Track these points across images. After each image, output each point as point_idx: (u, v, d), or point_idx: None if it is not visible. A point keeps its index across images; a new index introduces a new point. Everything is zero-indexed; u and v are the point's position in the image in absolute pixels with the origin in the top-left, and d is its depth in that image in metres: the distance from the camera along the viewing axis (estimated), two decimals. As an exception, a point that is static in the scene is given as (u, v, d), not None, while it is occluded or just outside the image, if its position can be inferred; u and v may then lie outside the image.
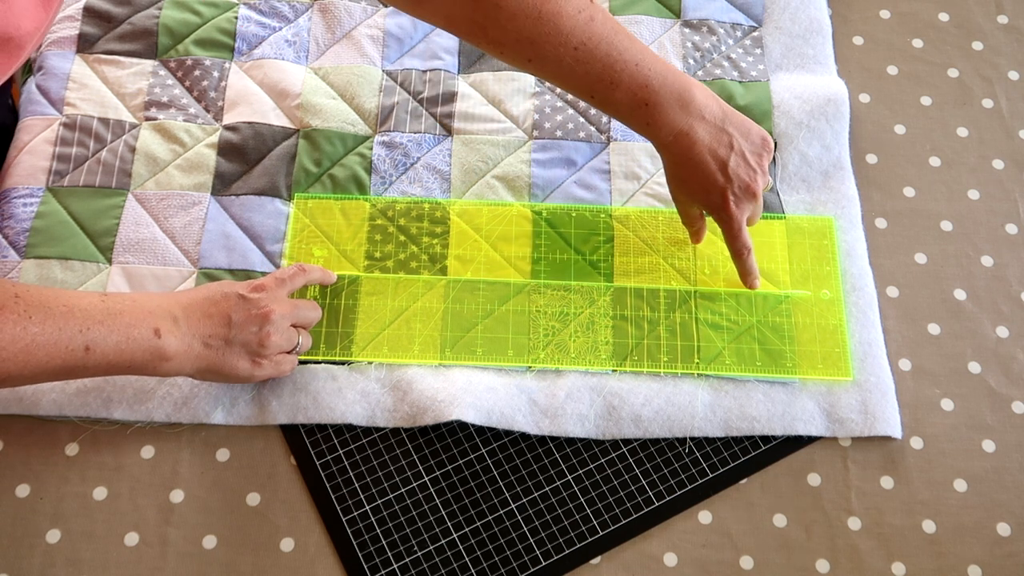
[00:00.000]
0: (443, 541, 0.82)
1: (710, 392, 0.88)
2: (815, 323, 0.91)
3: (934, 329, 0.92)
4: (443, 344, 0.89)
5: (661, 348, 0.90)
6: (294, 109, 1.00)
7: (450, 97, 1.02)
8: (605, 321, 0.91)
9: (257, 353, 0.82)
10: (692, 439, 0.87)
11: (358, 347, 0.89)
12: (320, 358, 0.89)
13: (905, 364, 0.91)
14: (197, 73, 1.02)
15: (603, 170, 0.99)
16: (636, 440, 0.87)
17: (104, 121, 0.99)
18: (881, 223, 0.97)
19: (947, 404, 0.89)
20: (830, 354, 0.89)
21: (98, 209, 0.95)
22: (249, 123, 0.99)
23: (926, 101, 1.04)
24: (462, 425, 0.86)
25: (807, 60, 1.05)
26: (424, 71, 1.04)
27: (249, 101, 1.01)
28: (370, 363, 0.89)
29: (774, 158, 0.99)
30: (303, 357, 0.88)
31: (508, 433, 0.87)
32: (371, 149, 0.99)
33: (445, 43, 1.06)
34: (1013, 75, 1.06)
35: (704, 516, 0.84)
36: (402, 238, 0.95)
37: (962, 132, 1.03)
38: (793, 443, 0.87)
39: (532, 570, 0.81)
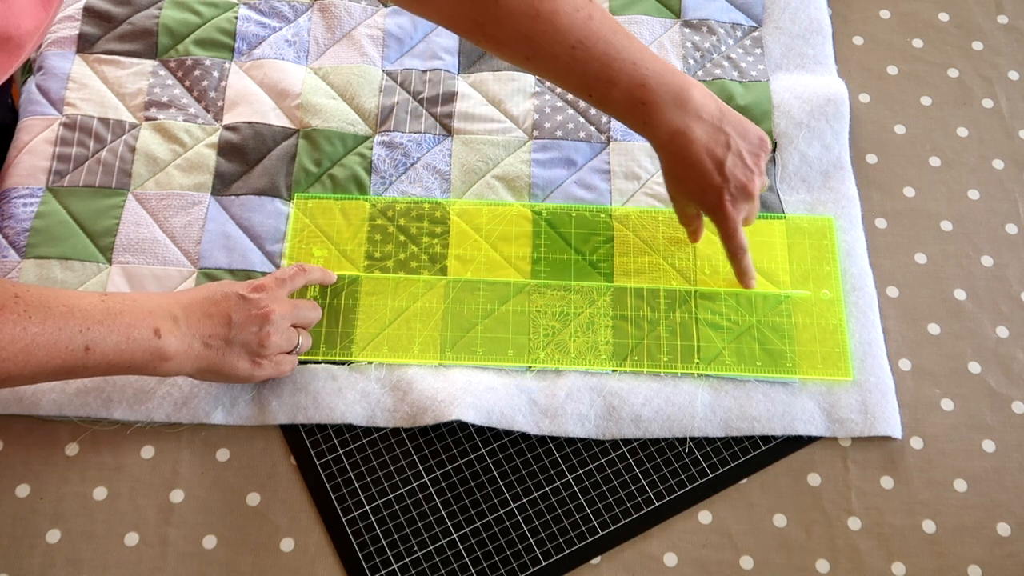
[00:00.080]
0: (443, 541, 0.82)
1: (710, 392, 0.88)
2: (815, 323, 0.91)
3: (934, 329, 0.92)
4: (443, 344, 0.89)
5: (661, 348, 0.90)
6: (294, 109, 1.00)
7: (450, 97, 1.02)
8: (605, 321, 0.91)
9: (257, 353, 0.82)
10: (692, 439, 0.87)
11: (358, 347, 0.89)
12: (320, 358, 0.89)
13: (905, 364, 0.91)
14: (197, 73, 1.02)
15: (603, 170, 0.99)
16: (636, 440, 0.87)
17: (104, 121, 0.99)
18: (881, 223, 0.97)
19: (947, 404, 0.89)
20: (830, 354, 0.89)
21: (98, 209, 0.95)
22: (249, 123, 0.99)
23: (926, 101, 1.04)
24: (462, 425, 0.86)
25: (807, 60, 1.05)
26: (424, 71, 1.04)
27: (249, 101, 1.01)
28: (370, 363, 0.89)
29: (773, 158, 0.99)
30: (303, 357, 0.88)
31: (508, 433, 0.87)
32: (371, 149, 0.99)
33: (445, 43, 1.06)
34: (1013, 75, 1.06)
35: (704, 516, 0.84)
36: (402, 238, 0.95)
37: (962, 132, 1.03)
38: (793, 443, 0.87)
39: (532, 570, 0.81)
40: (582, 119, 1.01)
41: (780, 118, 1.00)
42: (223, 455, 0.86)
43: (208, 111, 1.01)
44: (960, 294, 0.94)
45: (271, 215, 0.95)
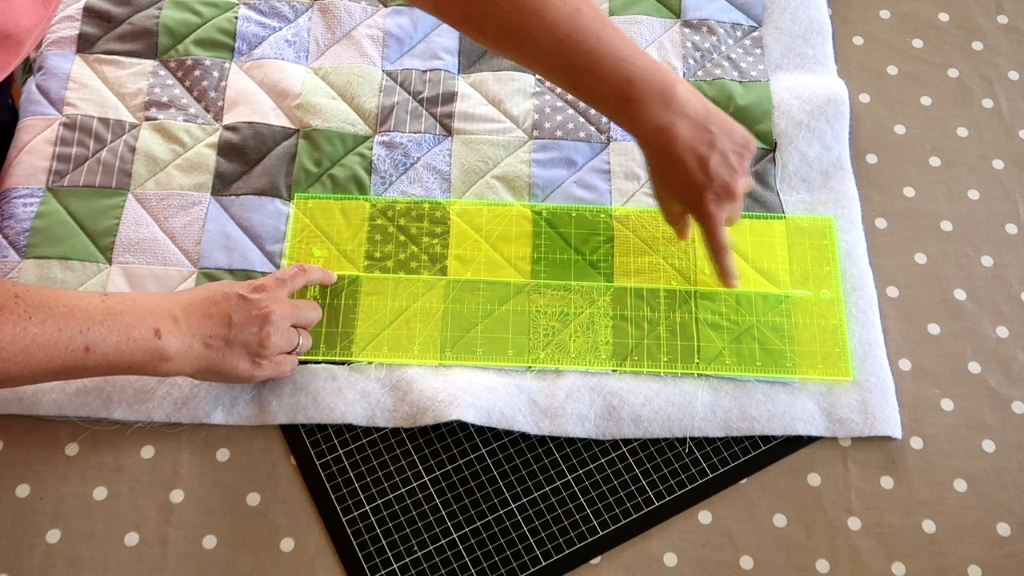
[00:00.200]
0: (443, 541, 0.82)
1: (710, 392, 0.88)
2: (815, 323, 0.91)
3: (934, 329, 0.92)
4: (443, 344, 0.89)
5: (661, 348, 0.90)
6: (294, 109, 1.00)
7: (450, 97, 1.02)
8: (605, 321, 0.91)
9: (257, 354, 0.82)
10: (692, 439, 0.87)
11: (358, 347, 0.89)
12: (320, 358, 0.89)
13: (905, 364, 0.91)
14: (197, 73, 1.02)
15: (603, 170, 0.99)
16: (636, 440, 0.87)
17: (104, 121, 0.99)
18: (881, 223, 0.97)
19: (947, 404, 0.89)
20: (830, 354, 0.89)
21: (98, 209, 0.95)
22: (249, 123, 0.99)
23: (926, 101, 1.04)
24: (462, 425, 0.86)
25: (807, 60, 1.05)
26: (424, 71, 1.04)
27: (249, 101, 1.01)
28: (370, 363, 0.89)
29: (773, 158, 0.99)
30: (303, 357, 0.88)
31: (508, 433, 0.87)
32: (371, 149, 0.99)
33: (445, 43, 1.06)
34: (1013, 75, 1.06)
35: (704, 516, 0.84)
36: (402, 238, 0.95)
37: (962, 132, 1.03)
38: (793, 443, 0.87)
39: (532, 570, 0.81)
40: (582, 119, 1.01)
41: (780, 118, 1.00)
42: (223, 455, 0.86)
43: (208, 111, 1.01)
44: (960, 294, 0.94)
45: (271, 215, 0.95)
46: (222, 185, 0.97)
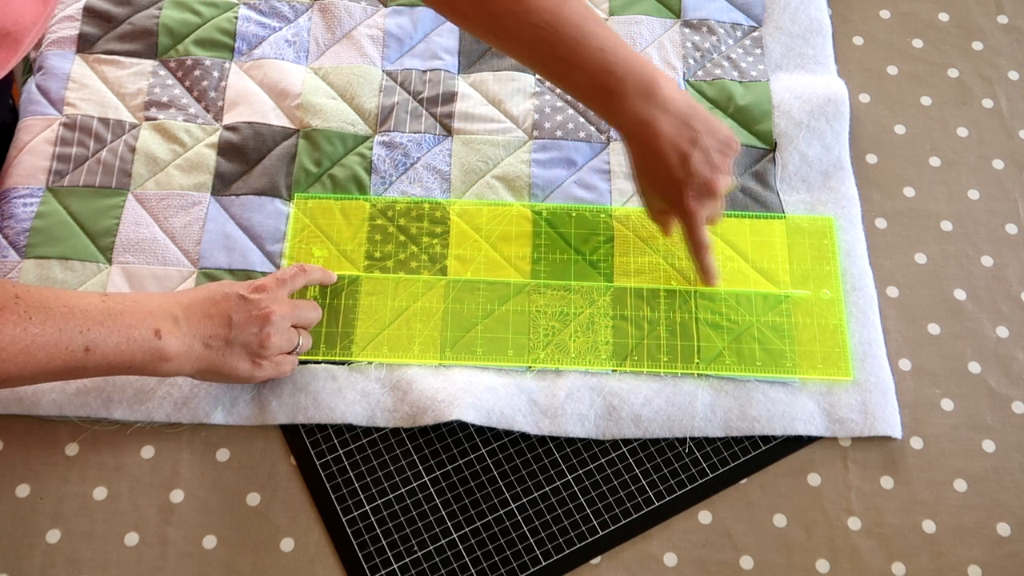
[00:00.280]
0: (443, 541, 0.82)
1: (710, 392, 0.88)
2: (815, 323, 0.91)
3: (934, 329, 0.92)
4: (443, 344, 0.89)
5: (661, 348, 0.90)
6: (294, 109, 1.00)
7: (450, 97, 1.02)
8: (605, 321, 0.91)
9: (257, 354, 0.82)
10: (692, 439, 0.87)
11: (358, 347, 0.89)
12: (320, 358, 0.89)
13: (905, 364, 0.91)
14: (197, 73, 1.02)
15: (603, 170, 0.99)
16: (636, 440, 0.87)
17: (104, 121, 0.99)
18: (881, 223, 0.97)
19: (947, 404, 0.89)
20: (830, 354, 0.89)
21: (98, 209, 0.95)
22: (249, 123, 0.99)
23: (926, 101, 1.04)
24: (462, 425, 0.86)
25: (807, 60, 1.05)
26: (424, 71, 1.04)
27: (249, 101, 1.01)
28: (370, 363, 0.89)
29: (773, 158, 0.99)
30: (303, 357, 0.88)
31: (508, 433, 0.87)
32: (371, 149, 0.99)
33: (445, 43, 1.06)
34: (1013, 75, 1.06)
35: (704, 516, 0.84)
36: (402, 238, 0.95)
37: (962, 132, 1.03)
38: (793, 443, 0.87)
39: (532, 570, 0.81)
40: (582, 119, 1.01)
41: (780, 118, 1.00)
42: (223, 455, 0.86)
43: (208, 111, 1.01)
44: (960, 294, 0.94)
45: (271, 215, 0.95)
46: (222, 185, 0.97)
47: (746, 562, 0.82)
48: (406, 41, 1.06)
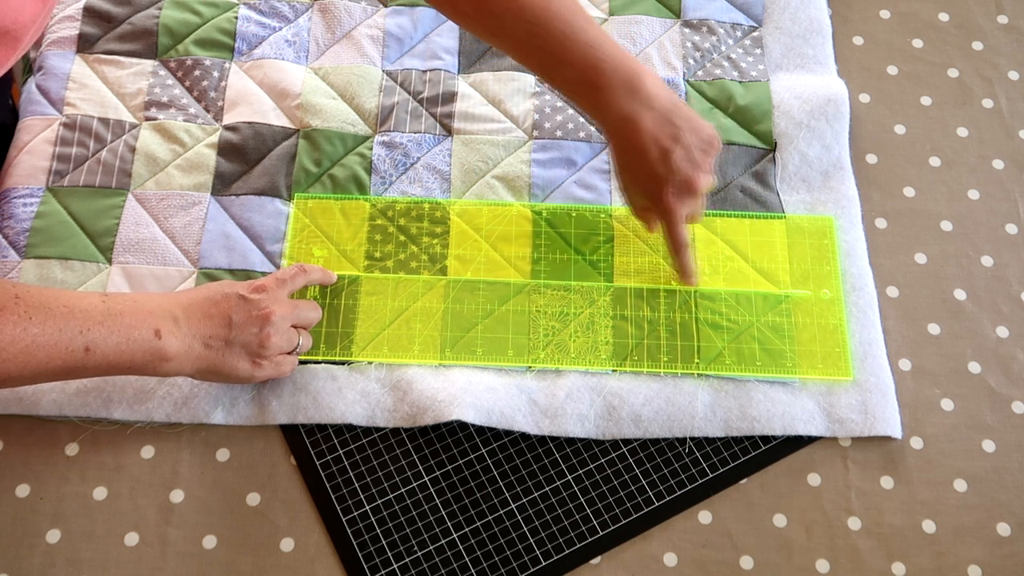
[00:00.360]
0: (443, 541, 0.82)
1: (710, 392, 0.88)
2: (815, 323, 0.91)
3: (934, 329, 0.92)
4: (443, 344, 0.89)
5: (661, 348, 0.90)
6: (294, 109, 1.00)
7: (450, 97, 1.02)
8: (605, 321, 0.91)
9: (257, 354, 0.82)
10: (692, 439, 0.87)
11: (358, 347, 0.89)
12: (320, 358, 0.89)
13: (905, 364, 0.91)
14: (197, 73, 1.02)
15: (603, 170, 0.99)
16: (636, 440, 0.87)
17: (104, 121, 0.99)
18: (881, 223, 0.97)
19: (947, 404, 0.89)
20: (830, 354, 0.89)
21: (98, 209, 0.95)
22: (249, 123, 0.99)
23: (926, 101, 1.04)
24: (462, 425, 0.86)
25: (807, 60, 1.05)
26: (424, 71, 1.04)
27: (249, 101, 1.01)
28: (370, 363, 0.89)
29: (773, 158, 0.99)
30: (303, 357, 0.88)
31: (508, 433, 0.87)
32: (371, 149, 0.99)
33: (445, 43, 1.06)
34: (1013, 75, 1.06)
35: (704, 516, 0.84)
36: (402, 238, 0.95)
37: (962, 132, 1.03)
38: (793, 443, 0.87)
39: (532, 570, 0.81)
40: (582, 119, 1.01)
41: (780, 118, 1.00)
42: (223, 455, 0.86)
43: (208, 111, 1.01)
44: (960, 294, 0.94)
45: (271, 215, 0.95)
46: (222, 185, 0.97)
47: (746, 562, 0.82)
48: (406, 41, 1.06)
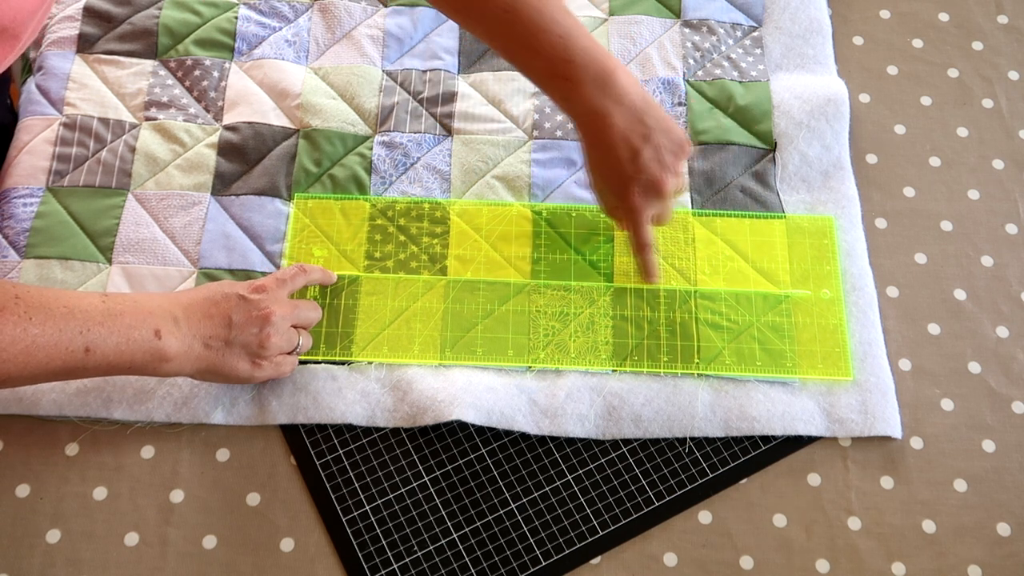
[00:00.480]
0: (443, 541, 0.82)
1: (710, 392, 0.88)
2: (815, 323, 0.91)
3: (934, 329, 0.92)
4: (443, 344, 0.89)
5: (661, 348, 0.90)
6: (294, 109, 1.00)
7: (450, 97, 1.02)
8: (605, 321, 0.91)
9: (257, 354, 0.82)
10: (692, 439, 0.87)
11: (358, 347, 0.89)
12: (320, 358, 0.89)
13: (905, 364, 0.91)
14: (197, 73, 1.02)
15: (603, 170, 0.99)
16: (636, 440, 0.87)
17: (104, 121, 0.99)
18: (881, 223, 0.97)
19: (947, 404, 0.89)
20: (830, 354, 0.89)
21: (98, 209, 0.95)
22: (249, 123, 0.99)
23: (926, 101, 1.04)
24: (462, 425, 0.86)
25: (807, 60, 1.05)
26: (424, 71, 1.04)
27: (249, 101, 1.01)
28: (370, 363, 0.89)
29: (773, 158, 0.99)
30: (303, 357, 0.88)
31: (508, 433, 0.87)
32: (371, 149, 0.99)
33: (445, 43, 1.06)
34: (1013, 75, 1.06)
35: (704, 516, 0.84)
36: (402, 238, 0.95)
37: (962, 132, 1.03)
38: (793, 443, 0.87)
39: (532, 570, 0.81)
40: (582, 119, 1.01)
41: (780, 118, 1.00)
42: (223, 455, 0.86)
43: (208, 111, 1.01)
44: (960, 294, 0.94)
45: (271, 215, 0.95)
46: (222, 185, 0.97)
47: (746, 562, 0.82)
48: (406, 41, 1.06)
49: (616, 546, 0.83)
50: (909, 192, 0.99)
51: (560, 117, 1.01)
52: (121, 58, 1.03)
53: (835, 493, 0.85)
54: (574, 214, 0.96)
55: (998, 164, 1.01)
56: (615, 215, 0.92)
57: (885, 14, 1.10)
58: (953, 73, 1.06)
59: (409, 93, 1.02)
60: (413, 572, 0.81)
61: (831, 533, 0.83)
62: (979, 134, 1.02)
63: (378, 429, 0.87)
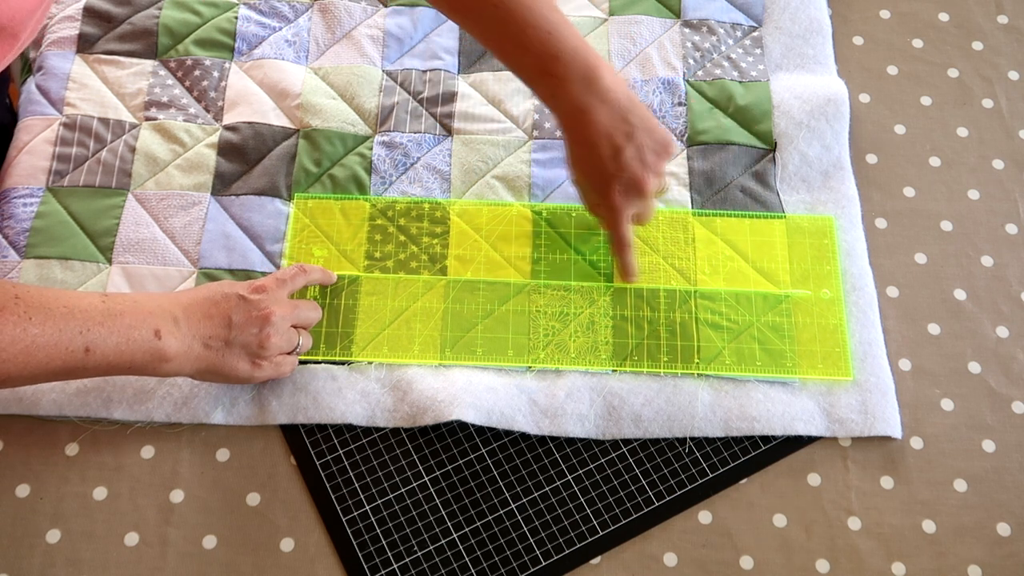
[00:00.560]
0: (443, 541, 0.82)
1: (710, 392, 0.88)
2: (815, 323, 0.91)
3: (934, 329, 0.92)
4: (443, 344, 0.89)
5: (661, 348, 0.90)
6: (294, 109, 1.00)
7: (450, 97, 1.02)
8: (605, 321, 0.91)
9: (257, 354, 0.82)
10: (692, 439, 0.87)
11: (358, 347, 0.89)
12: (320, 358, 0.89)
13: (905, 364, 0.91)
14: (197, 73, 1.02)
15: (603, 170, 0.99)
16: (636, 440, 0.87)
17: (104, 121, 0.99)
18: (881, 223, 0.97)
19: (947, 404, 0.89)
20: (830, 354, 0.89)
21: (98, 209, 0.95)
22: (249, 123, 0.99)
23: (926, 101, 1.04)
24: (462, 425, 0.86)
25: (807, 60, 1.05)
26: (424, 71, 1.04)
27: (249, 101, 1.01)
28: (370, 363, 0.89)
29: (773, 158, 0.99)
30: (303, 357, 0.88)
31: (508, 433, 0.87)
32: (371, 149, 0.99)
33: (445, 43, 1.06)
34: (1013, 75, 1.06)
35: (704, 516, 0.84)
36: (402, 238, 0.95)
37: (962, 132, 1.03)
38: (793, 443, 0.87)
39: (532, 570, 0.81)
40: (582, 119, 1.01)
41: (780, 118, 1.00)
42: (223, 455, 0.86)
43: (208, 111, 1.01)
44: (960, 294, 0.94)
45: (271, 215, 0.95)
46: (222, 185, 0.97)
47: (746, 562, 0.82)
48: (406, 41, 1.06)
49: (616, 546, 0.83)
50: (909, 192, 0.99)
51: (560, 117, 1.01)
52: (121, 58, 1.03)
53: (835, 493, 0.85)
54: (574, 214, 0.96)
55: (998, 164, 1.01)
56: (596, 212, 0.92)
57: (885, 14, 1.10)
58: (953, 73, 1.06)
59: (409, 93, 1.02)
60: (413, 572, 0.81)
61: (831, 533, 0.83)
62: (979, 134, 1.02)
63: (378, 429, 0.87)
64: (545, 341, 0.90)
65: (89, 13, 1.05)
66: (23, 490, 0.84)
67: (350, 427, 0.87)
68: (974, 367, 0.91)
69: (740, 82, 1.03)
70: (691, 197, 0.97)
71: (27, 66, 1.05)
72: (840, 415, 0.87)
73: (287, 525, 0.83)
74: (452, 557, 0.82)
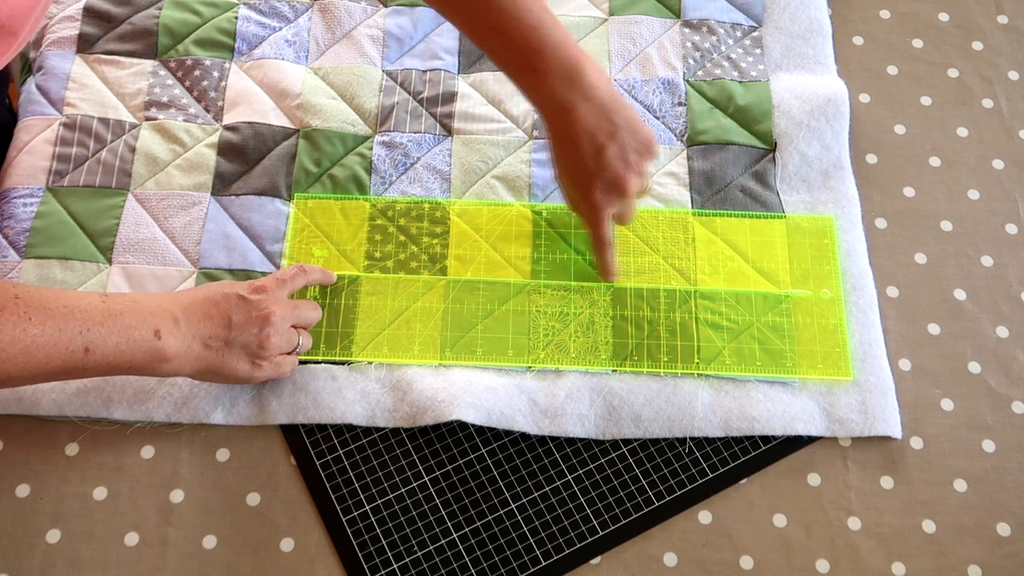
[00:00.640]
0: (443, 541, 0.82)
1: (710, 392, 0.88)
2: (815, 323, 0.91)
3: (934, 329, 0.92)
4: (443, 344, 0.89)
5: (661, 348, 0.90)
6: (294, 109, 1.00)
7: (450, 97, 1.02)
8: (605, 321, 0.91)
9: (257, 355, 0.82)
10: (692, 439, 0.87)
11: (358, 347, 0.89)
12: (320, 358, 0.89)
13: (905, 364, 0.91)
14: (197, 73, 1.02)
15: (603, 170, 0.99)
16: (636, 440, 0.87)
17: (104, 121, 0.99)
18: (881, 223, 0.97)
19: (947, 404, 0.89)
20: (830, 354, 0.89)
21: (98, 209, 0.95)
22: (249, 123, 0.99)
23: (926, 101, 1.04)
24: (462, 425, 0.86)
25: (807, 60, 1.05)
26: (424, 71, 1.04)
27: (249, 101, 1.01)
28: (370, 363, 0.89)
29: (773, 158, 0.99)
30: (303, 357, 0.88)
31: (508, 433, 0.87)
32: (371, 149, 0.99)
33: (445, 43, 1.06)
34: (1013, 75, 1.06)
35: (704, 516, 0.84)
36: (402, 238, 0.95)
37: (962, 132, 1.03)
38: (793, 443, 0.87)
39: (532, 570, 0.81)
40: (582, 119, 1.01)
41: (780, 118, 1.00)
42: (223, 455, 0.86)
43: (208, 111, 1.01)
44: (960, 294, 0.94)
45: (271, 215, 0.95)
46: (222, 185, 0.97)
47: (746, 562, 0.82)
48: (406, 41, 1.06)
49: (616, 546, 0.83)
50: (909, 192, 0.99)
51: (560, 117, 1.01)
52: (121, 58, 1.03)
53: (835, 493, 0.85)
54: (574, 214, 0.96)
55: (998, 164, 1.01)
56: (578, 211, 0.92)
57: (885, 14, 1.10)
58: (953, 73, 1.06)
59: (409, 93, 1.02)
60: (413, 572, 0.81)
61: (831, 533, 0.83)
62: (979, 134, 1.02)
63: (378, 429, 0.87)
64: (545, 341, 0.90)
65: (89, 13, 1.05)
66: (23, 490, 0.84)
67: (350, 427, 0.87)
68: (974, 367, 0.91)
69: (740, 82, 1.03)
70: (691, 197, 0.97)
71: (27, 66, 1.05)
72: (840, 415, 0.87)
73: (287, 525, 0.83)
74: (452, 557, 0.82)
